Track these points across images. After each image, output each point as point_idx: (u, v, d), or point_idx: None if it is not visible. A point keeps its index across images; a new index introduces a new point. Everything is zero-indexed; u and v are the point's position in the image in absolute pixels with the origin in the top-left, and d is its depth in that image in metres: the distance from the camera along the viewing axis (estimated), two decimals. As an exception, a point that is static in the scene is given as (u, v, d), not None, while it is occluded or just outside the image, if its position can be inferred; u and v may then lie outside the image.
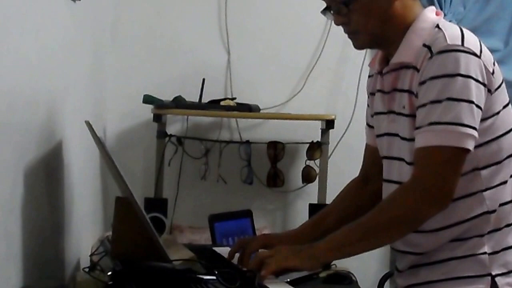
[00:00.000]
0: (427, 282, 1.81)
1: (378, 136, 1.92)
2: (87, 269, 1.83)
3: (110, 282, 1.63)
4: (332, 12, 1.82)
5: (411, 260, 1.84)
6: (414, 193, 1.70)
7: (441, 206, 1.70)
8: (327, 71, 3.66)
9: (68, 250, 2.33)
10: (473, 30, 1.79)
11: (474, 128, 1.67)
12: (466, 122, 1.66)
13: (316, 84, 3.64)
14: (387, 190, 1.86)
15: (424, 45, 1.73)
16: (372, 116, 1.96)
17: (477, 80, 1.68)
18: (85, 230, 2.66)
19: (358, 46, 1.86)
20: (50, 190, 2.08)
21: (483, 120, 1.71)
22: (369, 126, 2.02)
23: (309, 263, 1.80)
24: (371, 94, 1.96)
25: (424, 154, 1.70)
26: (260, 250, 1.91)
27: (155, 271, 1.66)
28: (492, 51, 1.78)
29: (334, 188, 3.37)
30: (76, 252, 2.46)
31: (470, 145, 1.67)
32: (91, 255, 1.95)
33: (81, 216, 2.57)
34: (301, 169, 3.51)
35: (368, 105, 2.01)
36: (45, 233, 2.02)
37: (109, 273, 1.65)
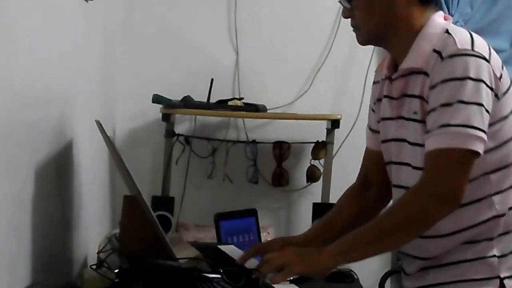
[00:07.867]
0: (437, 284, 1.81)
1: (385, 141, 1.92)
2: (94, 266, 1.85)
3: (117, 280, 1.65)
4: (342, 5, 1.87)
5: (420, 264, 1.84)
6: (424, 194, 1.69)
7: (451, 207, 1.69)
8: (334, 72, 3.66)
9: (76, 247, 2.34)
10: (479, 31, 1.79)
11: (484, 131, 1.67)
12: (476, 125, 1.66)
13: (322, 85, 3.66)
14: (397, 195, 1.86)
15: (434, 51, 1.74)
16: (378, 122, 1.96)
17: (486, 85, 1.68)
18: (93, 228, 2.68)
19: (359, 41, 1.88)
20: (60, 189, 2.10)
21: (491, 124, 1.71)
22: (372, 130, 2.02)
23: (317, 269, 1.78)
24: (378, 100, 1.96)
25: (433, 156, 1.69)
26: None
27: (161, 269, 1.68)
28: (497, 51, 1.78)
29: (338, 187, 3.38)
30: (83, 249, 2.47)
31: (480, 148, 1.67)
32: (98, 253, 1.97)
33: (90, 214, 2.58)
34: (306, 168, 3.53)
35: (373, 111, 2.01)
36: (53, 231, 2.04)
37: (116, 270, 1.67)
